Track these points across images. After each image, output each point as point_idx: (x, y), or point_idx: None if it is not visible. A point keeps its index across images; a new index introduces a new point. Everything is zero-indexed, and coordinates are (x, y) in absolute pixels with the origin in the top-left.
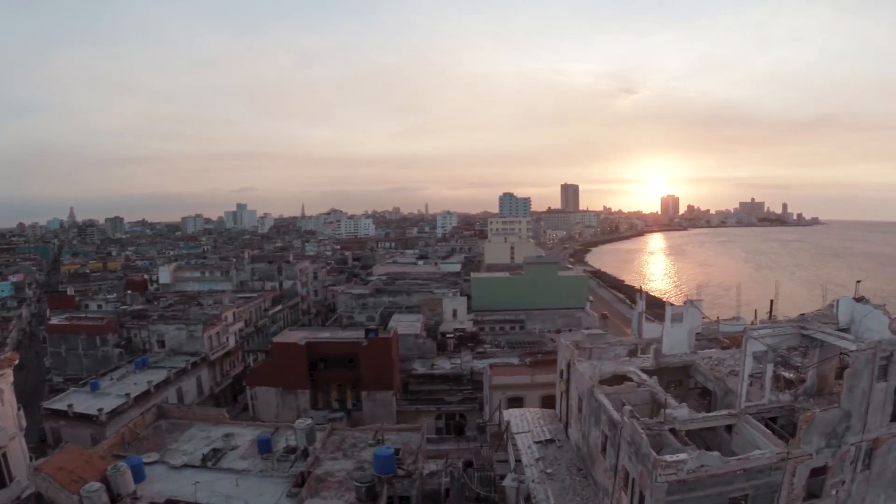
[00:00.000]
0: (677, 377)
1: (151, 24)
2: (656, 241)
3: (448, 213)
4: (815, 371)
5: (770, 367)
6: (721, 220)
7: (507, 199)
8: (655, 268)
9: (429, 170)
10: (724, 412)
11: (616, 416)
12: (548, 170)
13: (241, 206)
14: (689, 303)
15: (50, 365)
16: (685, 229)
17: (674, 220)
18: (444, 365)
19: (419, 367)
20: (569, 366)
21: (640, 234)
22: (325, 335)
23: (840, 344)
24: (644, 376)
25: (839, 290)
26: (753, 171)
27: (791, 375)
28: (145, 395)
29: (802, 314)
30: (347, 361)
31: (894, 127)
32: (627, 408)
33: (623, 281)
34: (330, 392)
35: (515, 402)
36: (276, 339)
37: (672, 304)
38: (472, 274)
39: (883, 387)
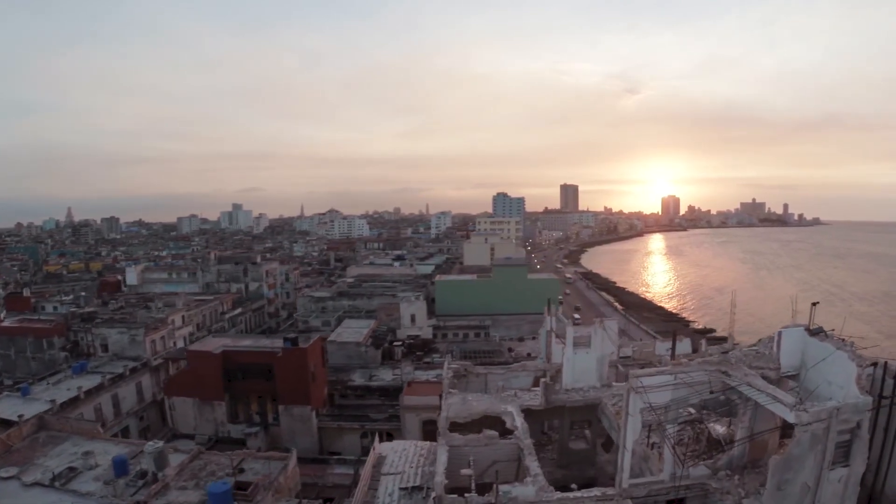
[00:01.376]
0: (586, 417)
1: (155, 24)
2: (655, 242)
3: (443, 213)
4: (748, 433)
5: (672, 430)
6: (721, 221)
7: (501, 199)
8: (650, 269)
9: (434, 170)
10: (595, 492)
11: (439, 481)
12: (550, 170)
13: (236, 207)
14: (600, 323)
15: (0, 367)
16: (685, 230)
17: (674, 220)
18: (386, 376)
19: (358, 379)
20: (440, 398)
21: (640, 234)
22: (246, 343)
23: (772, 409)
24: (519, 421)
25: (835, 292)
26: (757, 171)
27: (723, 431)
28: (73, 402)
29: (725, 352)
30: (266, 372)
31: None
32: (441, 479)
33: (615, 283)
34: (249, 404)
35: (431, 427)
36: (193, 346)
37: (577, 325)
38: (437, 276)
39: (842, 475)
